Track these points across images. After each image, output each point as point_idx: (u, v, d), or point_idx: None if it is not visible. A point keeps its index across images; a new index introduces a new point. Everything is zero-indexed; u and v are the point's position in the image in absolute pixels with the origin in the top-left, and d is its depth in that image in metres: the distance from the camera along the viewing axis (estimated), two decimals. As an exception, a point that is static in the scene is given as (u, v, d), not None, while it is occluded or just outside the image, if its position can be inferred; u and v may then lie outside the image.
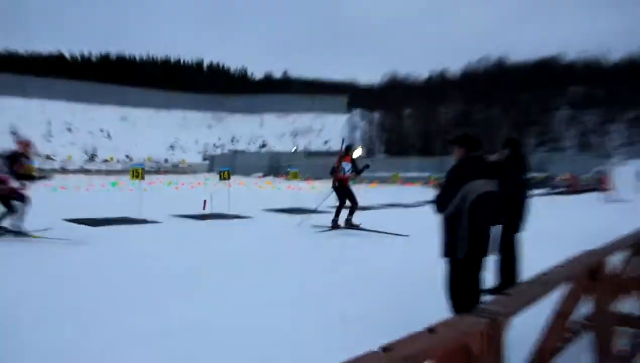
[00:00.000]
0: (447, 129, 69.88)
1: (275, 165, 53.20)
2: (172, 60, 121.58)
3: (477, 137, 3.92)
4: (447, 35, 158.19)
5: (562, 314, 3.08)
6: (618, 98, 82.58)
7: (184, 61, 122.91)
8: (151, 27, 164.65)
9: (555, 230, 10.14)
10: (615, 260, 3.88)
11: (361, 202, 11.07)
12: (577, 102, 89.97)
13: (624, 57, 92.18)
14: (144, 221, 11.22)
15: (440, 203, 3.77)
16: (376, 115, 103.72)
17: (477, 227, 3.67)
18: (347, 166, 10.36)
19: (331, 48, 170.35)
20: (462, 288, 3.74)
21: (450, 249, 3.76)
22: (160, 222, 11.21)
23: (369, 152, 72.48)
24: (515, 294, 2.05)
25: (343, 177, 10.35)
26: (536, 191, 25.33)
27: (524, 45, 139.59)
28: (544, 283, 2.25)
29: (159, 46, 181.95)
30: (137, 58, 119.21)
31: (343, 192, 10.39)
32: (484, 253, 3.80)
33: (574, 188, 28.59)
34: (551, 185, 29.69)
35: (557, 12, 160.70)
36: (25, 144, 8.58)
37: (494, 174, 3.82)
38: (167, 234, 9.66)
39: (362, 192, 17.37)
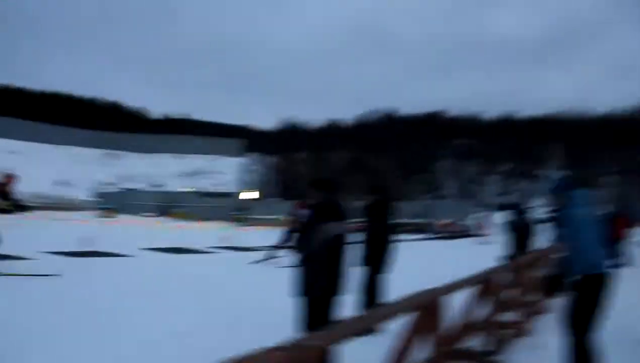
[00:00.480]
0: (341, 174, 72.12)
1: (167, 205, 51.38)
2: (64, 94, 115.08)
3: (333, 181, 4.13)
4: (341, 86, 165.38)
5: (400, 352, 3.23)
6: (493, 152, 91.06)
7: (77, 96, 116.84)
8: (44, 59, 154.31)
9: (426, 271, 10.67)
10: (460, 298, 4.18)
11: (249, 243, 11.40)
12: (459, 154, 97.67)
13: (501, 115, 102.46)
14: (14, 257, 10.21)
15: (298, 244, 3.88)
16: (271, 159, 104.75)
17: (331, 266, 3.80)
18: (303, 212, 11.31)
19: (229, 92, 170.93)
20: (316, 326, 3.81)
21: (307, 287, 3.85)
22: (36, 259, 10.51)
23: (265, 195, 72.62)
24: (337, 328, 2.13)
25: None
26: (417, 236, 26.77)
27: (413, 99, 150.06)
28: (365, 319, 2.37)
29: (52, 79, 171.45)
30: (26, 90, 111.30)
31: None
32: (337, 292, 3.94)
33: (452, 233, 30.63)
34: (431, 231, 31.47)
35: (442, 72, 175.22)
36: (10, 178, 8.66)
37: (346, 217, 4.02)
38: (37, 271, 8.89)
39: (253, 234, 17.27)
